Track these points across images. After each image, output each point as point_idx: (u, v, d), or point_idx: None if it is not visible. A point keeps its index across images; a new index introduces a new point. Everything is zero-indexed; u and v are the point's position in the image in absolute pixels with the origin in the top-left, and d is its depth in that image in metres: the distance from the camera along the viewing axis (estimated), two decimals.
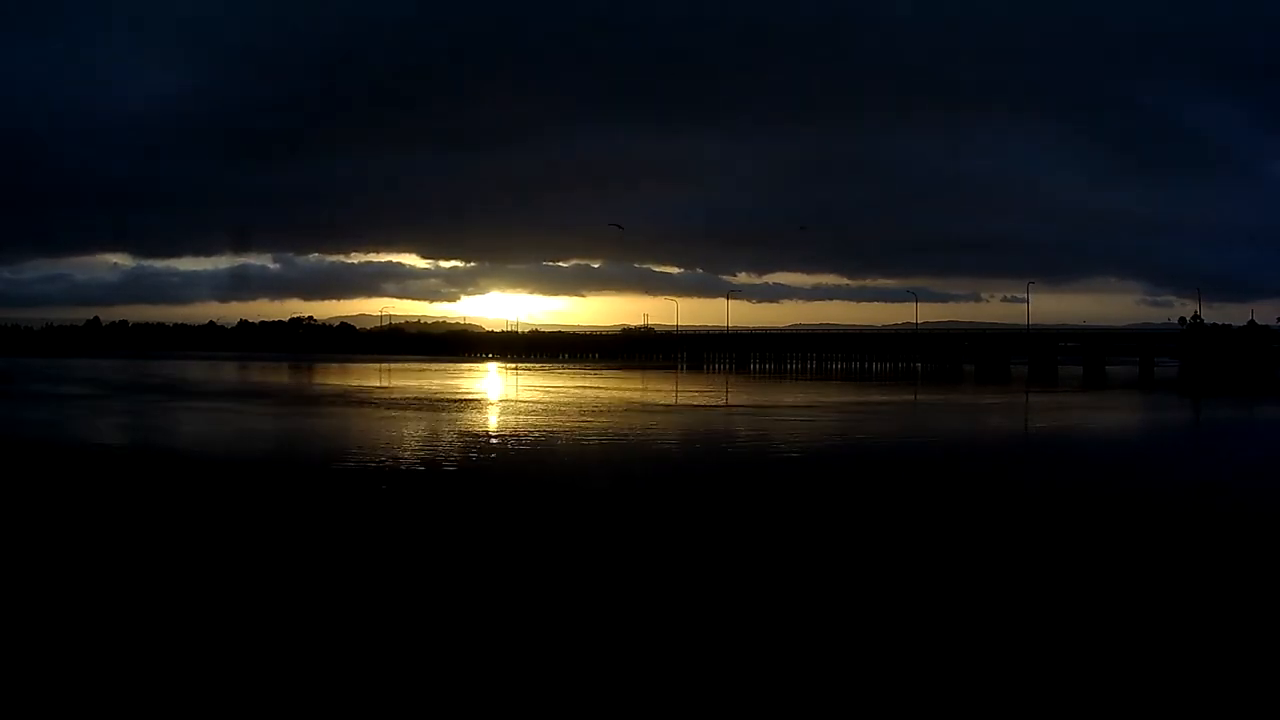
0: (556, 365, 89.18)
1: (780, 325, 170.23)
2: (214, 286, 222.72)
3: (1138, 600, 8.96)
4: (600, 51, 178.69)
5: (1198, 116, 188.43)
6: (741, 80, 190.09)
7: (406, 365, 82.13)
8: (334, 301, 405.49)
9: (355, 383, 51.90)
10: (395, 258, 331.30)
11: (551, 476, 17.62)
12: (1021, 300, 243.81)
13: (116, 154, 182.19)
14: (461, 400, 38.82)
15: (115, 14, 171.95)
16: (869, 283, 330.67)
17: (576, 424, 27.33)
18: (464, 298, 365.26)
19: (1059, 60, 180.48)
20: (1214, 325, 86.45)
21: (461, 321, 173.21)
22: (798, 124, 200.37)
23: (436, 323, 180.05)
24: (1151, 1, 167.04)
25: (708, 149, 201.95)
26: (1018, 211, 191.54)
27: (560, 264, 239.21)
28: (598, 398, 40.06)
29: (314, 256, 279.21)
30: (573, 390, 46.05)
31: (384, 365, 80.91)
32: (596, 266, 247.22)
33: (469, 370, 75.30)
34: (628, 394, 43.91)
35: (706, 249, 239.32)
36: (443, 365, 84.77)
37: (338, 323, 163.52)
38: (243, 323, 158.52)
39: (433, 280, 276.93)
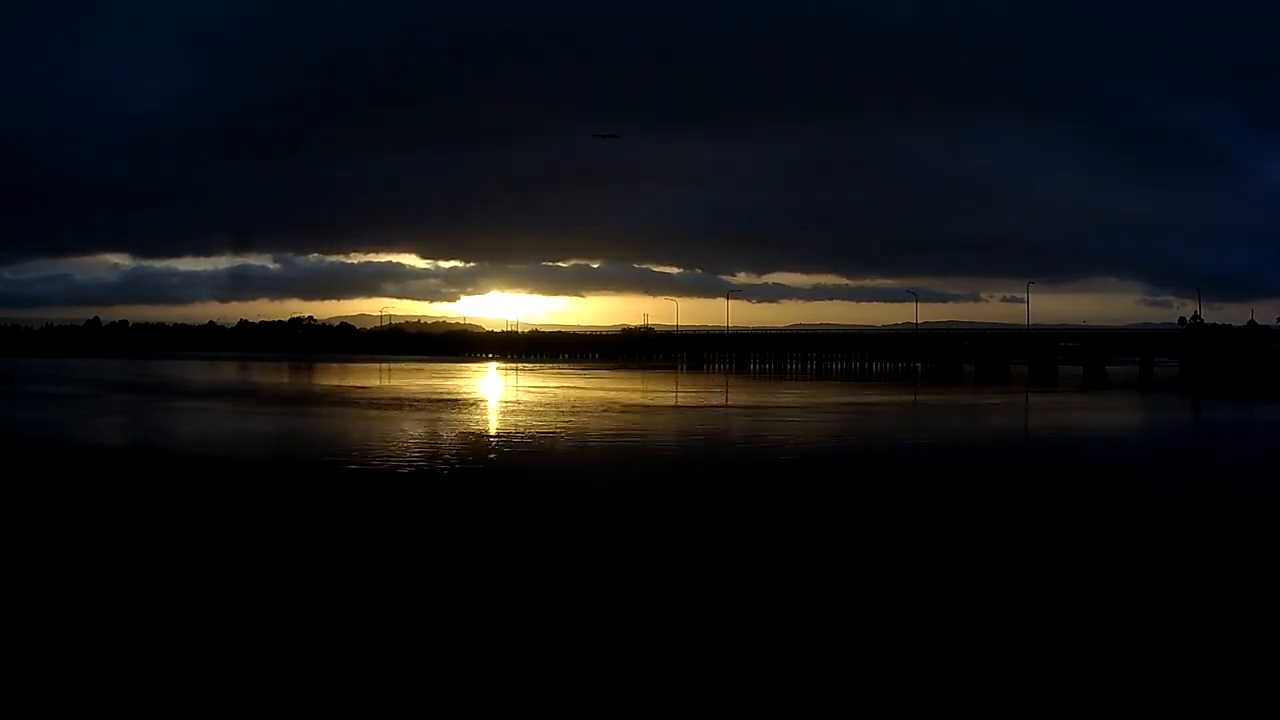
0: (556, 365, 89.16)
1: (780, 325, 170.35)
2: (214, 286, 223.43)
3: (1138, 600, 8.96)
4: (600, 52, 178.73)
5: (1198, 116, 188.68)
6: (741, 80, 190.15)
7: (406, 365, 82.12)
8: (334, 301, 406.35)
9: (355, 383, 51.88)
10: (395, 258, 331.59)
11: (551, 477, 17.61)
12: (1021, 300, 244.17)
13: (116, 154, 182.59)
14: (461, 400, 38.80)
15: (115, 14, 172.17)
16: (869, 283, 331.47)
17: (576, 424, 27.32)
18: (464, 298, 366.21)
19: (1059, 60, 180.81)
20: (1214, 325, 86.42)
21: (461, 321, 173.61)
22: (798, 124, 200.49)
23: (436, 323, 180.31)
24: (1151, 1, 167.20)
25: (708, 149, 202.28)
26: (1017, 211, 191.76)
27: (560, 264, 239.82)
28: (597, 398, 40.04)
29: (314, 256, 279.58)
30: (573, 390, 46.03)
31: (384, 365, 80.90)
32: (596, 266, 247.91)
33: (468, 370, 75.29)
34: (628, 394, 43.89)
35: (706, 249, 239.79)
36: (442, 365, 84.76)
37: (338, 323, 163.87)
38: (243, 323, 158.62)
39: (432, 280, 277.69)
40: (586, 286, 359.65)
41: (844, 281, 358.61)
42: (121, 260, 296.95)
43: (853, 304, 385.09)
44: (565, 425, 26.91)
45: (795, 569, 10.05)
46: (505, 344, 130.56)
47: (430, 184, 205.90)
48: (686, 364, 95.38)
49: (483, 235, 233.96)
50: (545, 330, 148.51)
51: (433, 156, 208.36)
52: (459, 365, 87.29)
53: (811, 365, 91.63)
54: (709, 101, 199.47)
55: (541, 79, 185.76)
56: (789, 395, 45.78)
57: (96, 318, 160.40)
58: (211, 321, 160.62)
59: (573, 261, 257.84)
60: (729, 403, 40.66)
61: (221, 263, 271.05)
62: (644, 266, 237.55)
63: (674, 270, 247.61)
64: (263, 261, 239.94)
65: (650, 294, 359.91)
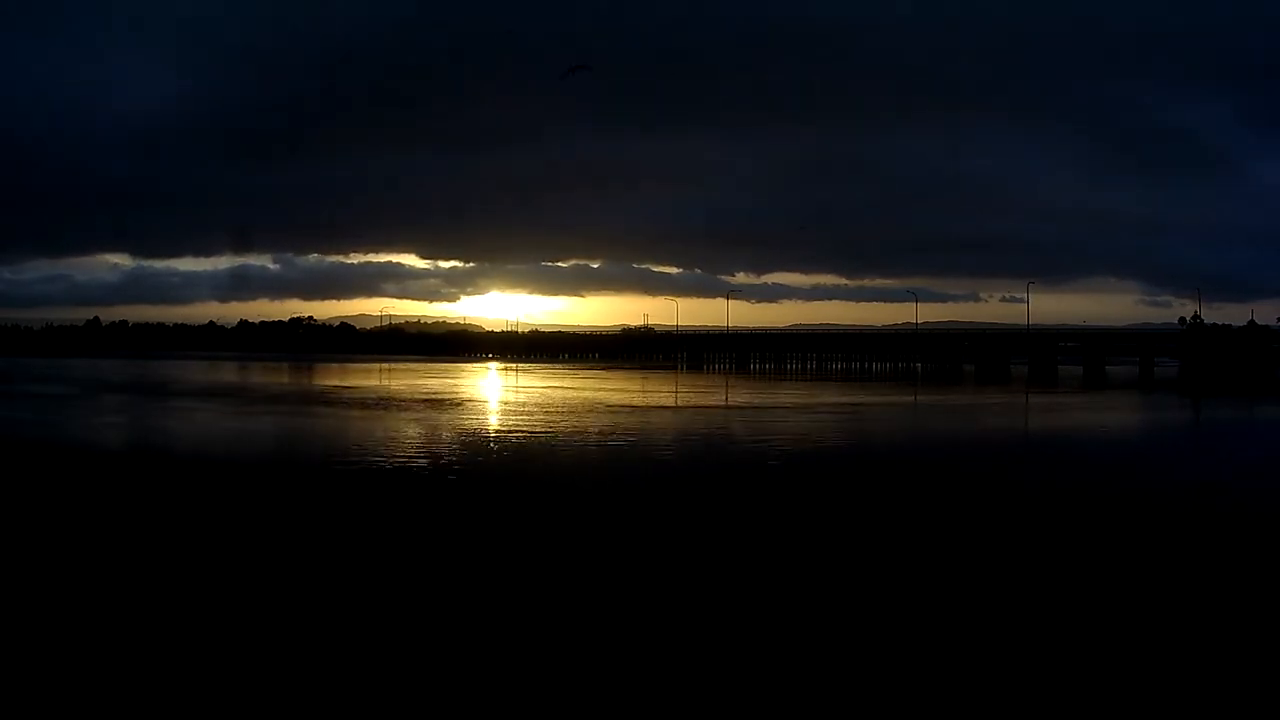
0: (556, 365, 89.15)
1: (780, 325, 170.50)
2: (214, 286, 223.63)
3: (1137, 600, 8.95)
4: (600, 52, 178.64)
5: (1198, 116, 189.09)
6: (741, 80, 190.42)
7: (406, 366, 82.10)
8: (334, 301, 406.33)
9: (354, 383, 51.88)
10: (395, 258, 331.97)
11: (551, 477, 17.60)
12: (1021, 300, 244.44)
13: (116, 154, 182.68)
14: (460, 401, 38.80)
15: (115, 14, 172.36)
16: (868, 283, 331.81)
17: (576, 424, 27.31)
18: (464, 298, 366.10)
19: (1059, 60, 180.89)
20: (1214, 325, 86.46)
21: (461, 321, 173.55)
22: (798, 124, 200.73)
23: (436, 323, 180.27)
24: (1151, 1, 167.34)
25: (708, 149, 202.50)
26: (1017, 211, 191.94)
27: (560, 264, 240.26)
28: (597, 398, 40.03)
29: (314, 256, 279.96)
30: (572, 391, 46.02)
31: (384, 365, 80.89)
32: (596, 266, 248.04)
33: (468, 370, 75.28)
34: (628, 395, 43.88)
35: (706, 249, 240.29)
36: (442, 366, 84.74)
37: (337, 323, 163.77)
38: (243, 323, 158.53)
39: (432, 280, 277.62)
40: (586, 286, 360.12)
41: (844, 281, 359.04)
42: (121, 260, 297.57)
43: (852, 304, 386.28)
44: (565, 425, 26.90)
45: (795, 569, 10.05)
46: (505, 344, 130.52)
47: (430, 184, 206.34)
48: (686, 364, 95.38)
49: (482, 235, 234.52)
50: (545, 330, 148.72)
51: (433, 156, 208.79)
52: (459, 365, 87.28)
53: (811, 365, 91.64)
54: (709, 101, 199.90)
55: (541, 79, 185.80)
56: (789, 395, 45.77)
57: (96, 318, 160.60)
58: (211, 322, 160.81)
59: (572, 261, 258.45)
60: (729, 403, 40.64)
61: (221, 263, 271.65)
62: (644, 266, 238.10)
63: (674, 270, 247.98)
64: (262, 261, 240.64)
65: (650, 294, 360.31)
